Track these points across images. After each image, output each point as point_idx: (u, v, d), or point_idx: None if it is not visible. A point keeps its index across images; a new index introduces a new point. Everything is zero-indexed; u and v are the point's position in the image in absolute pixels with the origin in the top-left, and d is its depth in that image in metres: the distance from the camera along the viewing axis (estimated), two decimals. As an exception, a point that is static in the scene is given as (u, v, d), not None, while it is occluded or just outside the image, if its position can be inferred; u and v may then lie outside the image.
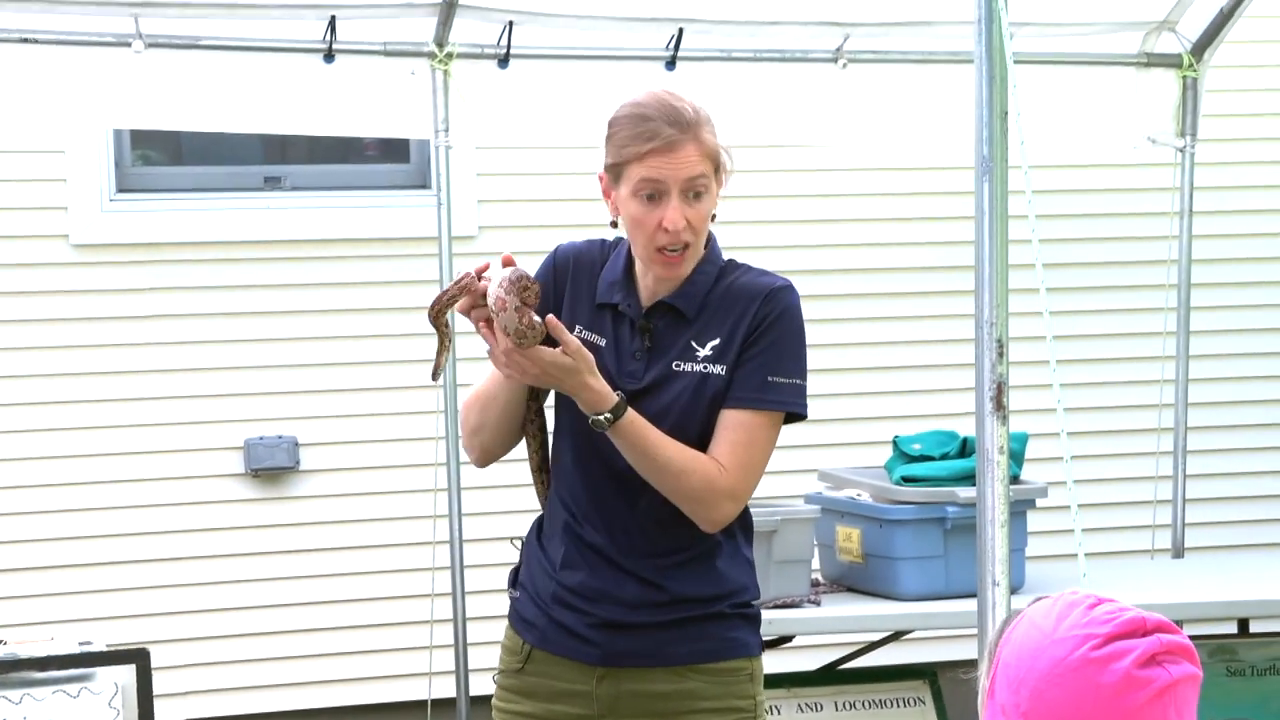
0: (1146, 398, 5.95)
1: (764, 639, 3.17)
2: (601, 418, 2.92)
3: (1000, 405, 3.27)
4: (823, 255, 6.10)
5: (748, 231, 5.64)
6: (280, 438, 5.72)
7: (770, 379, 2.98)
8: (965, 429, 4.47)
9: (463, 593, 5.07)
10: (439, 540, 5.13)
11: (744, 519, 3.08)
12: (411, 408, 5.66)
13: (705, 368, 2.99)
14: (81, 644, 4.47)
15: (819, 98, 5.30)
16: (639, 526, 3.01)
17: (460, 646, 5.06)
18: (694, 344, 3.01)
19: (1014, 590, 3.44)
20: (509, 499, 4.85)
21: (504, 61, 5.02)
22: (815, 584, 4.84)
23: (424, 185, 5.81)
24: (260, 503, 5.73)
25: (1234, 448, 6.40)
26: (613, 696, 3.01)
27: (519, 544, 3.19)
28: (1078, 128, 5.55)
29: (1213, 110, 5.83)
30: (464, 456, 4.93)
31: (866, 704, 4.96)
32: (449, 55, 4.98)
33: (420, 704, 5.43)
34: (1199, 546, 5.91)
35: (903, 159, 6.08)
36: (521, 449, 3.16)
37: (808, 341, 3.04)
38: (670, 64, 5.10)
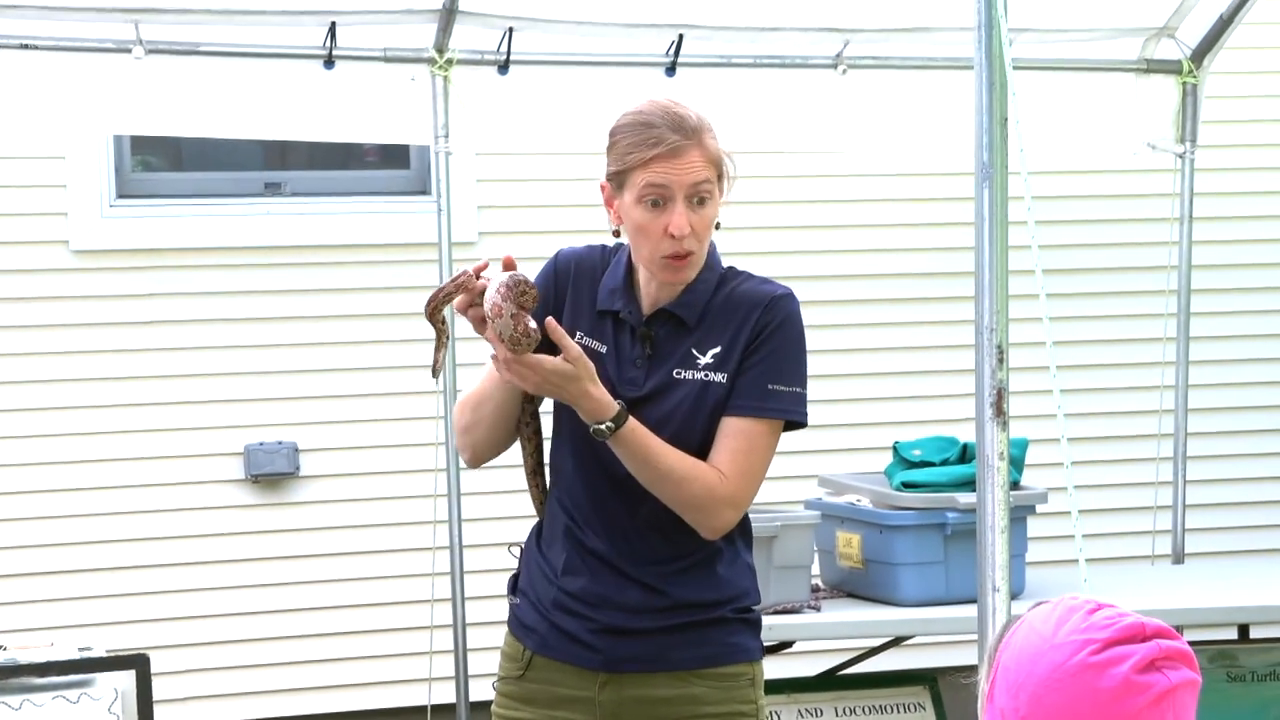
0: (1147, 403, 5.95)
1: (764, 644, 3.17)
2: (603, 426, 2.92)
3: (1000, 411, 3.27)
4: (823, 261, 6.10)
5: (747, 237, 5.64)
6: (280, 443, 5.72)
7: (771, 387, 2.98)
8: (965, 435, 4.47)
9: (462, 598, 5.07)
10: (439, 546, 5.13)
11: (743, 524, 3.08)
12: (411, 413, 5.66)
13: (706, 376, 2.99)
14: (81, 649, 4.47)
15: (819, 104, 5.30)
16: (640, 532, 3.01)
17: (460, 652, 5.06)
18: (695, 352, 3.01)
19: (1014, 596, 3.44)
20: (509, 504, 4.84)
21: (504, 68, 5.02)
22: (815, 589, 4.84)
23: (424, 191, 5.81)
24: (260, 508, 5.73)
25: (1234, 453, 6.40)
26: (615, 702, 3.01)
27: (517, 551, 3.19)
28: (1078, 134, 5.56)
29: (1212, 116, 5.83)
30: (464, 461, 4.97)
31: (867, 709, 4.96)
32: (449, 61, 4.98)
33: (420, 709, 5.43)
34: (1199, 552, 5.91)
35: (903, 165, 6.08)
36: (519, 454, 3.16)
37: (808, 347, 3.05)
38: (670, 70, 5.11)
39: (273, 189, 5.84)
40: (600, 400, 2.92)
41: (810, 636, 4.76)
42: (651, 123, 2.93)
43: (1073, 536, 3.26)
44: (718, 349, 3.00)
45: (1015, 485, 4.71)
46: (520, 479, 3.19)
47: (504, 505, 5.10)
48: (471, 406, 3.07)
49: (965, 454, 4.79)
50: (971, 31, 3.32)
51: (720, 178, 2.97)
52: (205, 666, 5.65)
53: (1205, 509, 6.11)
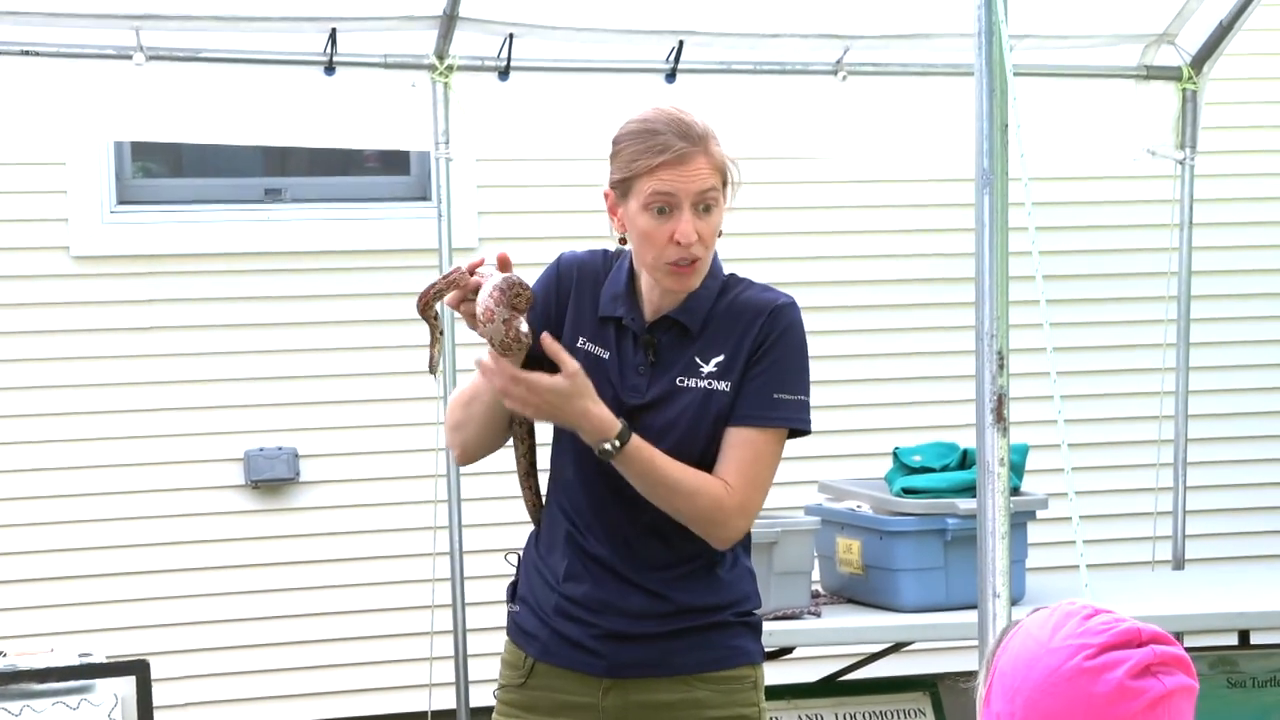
0: (1147, 409, 5.95)
1: (765, 650, 3.17)
2: (608, 446, 2.92)
3: (1001, 417, 3.27)
4: (823, 267, 6.11)
5: (748, 243, 5.64)
6: (280, 449, 5.72)
7: (776, 396, 2.98)
8: (966, 441, 4.47)
9: (463, 604, 5.07)
10: (439, 552, 5.13)
11: (742, 530, 3.09)
12: (412, 419, 5.66)
13: (709, 384, 2.99)
14: (81, 655, 4.46)
15: (819, 110, 5.31)
16: (642, 537, 3.01)
17: (460, 658, 5.06)
18: (698, 360, 3.00)
19: (1014, 602, 3.44)
20: (510, 510, 4.83)
21: (504, 74, 5.02)
22: (815, 595, 4.84)
23: (424, 197, 5.82)
24: (260, 514, 5.73)
25: (1234, 459, 6.40)
26: (619, 708, 3.01)
27: (514, 560, 3.18)
28: (1078, 140, 5.56)
29: (1212, 123, 5.84)
30: (464, 468, 4.96)
31: (867, 715, 4.96)
32: (449, 68, 4.98)
33: (420, 715, 5.43)
34: (1199, 558, 5.91)
35: (903, 171, 6.09)
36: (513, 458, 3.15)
37: (809, 352, 3.05)
38: (670, 76, 5.11)
39: (273, 195, 5.84)
40: (601, 418, 2.91)
41: (811, 642, 4.76)
42: (657, 130, 2.93)
43: (1073, 542, 3.26)
44: (721, 357, 3.00)
45: (1016, 491, 4.71)
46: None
47: (504, 511, 5.08)
48: (463, 404, 3.07)
49: (965, 460, 4.79)
50: (972, 38, 3.32)
51: (725, 184, 2.97)
52: (206, 672, 5.65)
53: (1206, 515, 6.11)
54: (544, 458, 3.10)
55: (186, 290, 5.67)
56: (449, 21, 4.91)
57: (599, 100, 5.05)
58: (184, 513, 5.65)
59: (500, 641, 3.16)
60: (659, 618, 3.00)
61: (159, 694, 4.65)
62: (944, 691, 5.03)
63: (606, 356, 3.02)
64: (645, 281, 3.02)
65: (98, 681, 4.33)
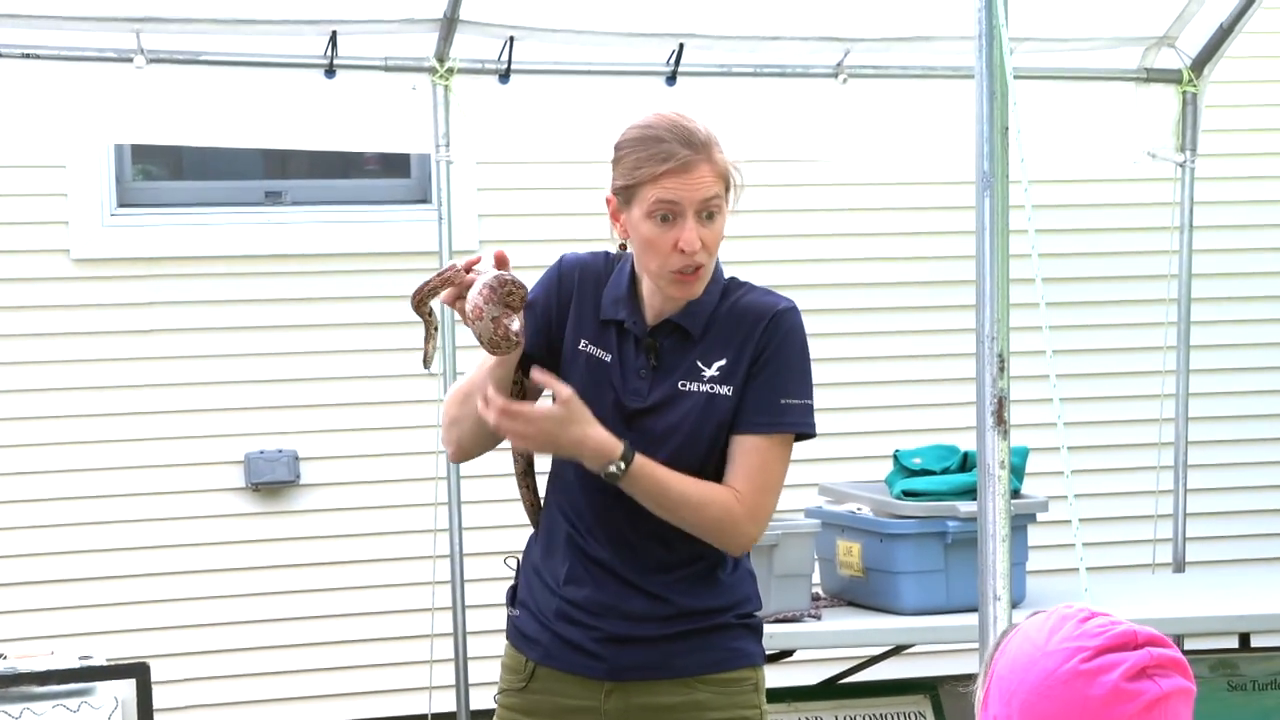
0: (1147, 412, 5.95)
1: (765, 652, 3.17)
2: (613, 469, 2.92)
3: (1001, 419, 3.27)
4: (823, 270, 6.11)
5: (748, 246, 5.64)
6: (280, 452, 5.72)
7: (782, 402, 2.99)
8: (966, 443, 4.47)
9: (463, 607, 5.07)
10: (439, 555, 5.13)
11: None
12: (412, 422, 5.66)
13: (712, 388, 2.99)
14: (82, 658, 4.47)
15: (820, 113, 5.31)
16: (644, 541, 3.01)
17: (460, 661, 5.06)
18: (700, 364, 3.00)
19: (1015, 604, 3.44)
20: (510, 513, 4.83)
21: (505, 76, 5.02)
22: (816, 598, 4.84)
23: (424, 200, 5.82)
24: (261, 517, 5.73)
25: (1235, 462, 6.41)
26: (621, 710, 3.01)
27: (513, 564, 3.18)
28: (1078, 143, 5.56)
29: (1212, 125, 5.84)
30: (465, 470, 4.97)
31: (867, 718, 4.96)
32: (450, 70, 4.98)
33: (420, 718, 5.43)
34: (1200, 561, 5.91)
35: (903, 174, 6.09)
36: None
37: (810, 356, 3.05)
38: (671, 79, 5.11)
39: (273, 198, 5.84)
40: (602, 441, 2.91)
41: (811, 645, 4.76)
42: (660, 137, 2.92)
43: (1073, 545, 3.26)
44: (723, 361, 3.00)
45: (1016, 494, 4.71)
46: (520, 488, 3.18)
47: (505, 514, 5.08)
48: (459, 400, 3.07)
49: (966, 462, 4.79)
50: (972, 41, 3.32)
51: (728, 190, 2.97)
52: (206, 675, 5.65)
53: (1206, 517, 6.11)
54: (543, 459, 3.10)
55: (187, 293, 5.67)
56: (449, 24, 4.92)
57: (599, 103, 5.05)
58: (184, 515, 5.65)
59: (500, 644, 3.15)
60: (660, 620, 3.00)
61: (159, 697, 4.65)
62: (944, 694, 5.03)
63: (608, 359, 3.02)
64: (646, 285, 3.02)
65: (98, 684, 4.33)
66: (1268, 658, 5.23)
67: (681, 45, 5.09)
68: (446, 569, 5.10)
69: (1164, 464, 5.70)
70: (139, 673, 4.37)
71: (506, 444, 3.12)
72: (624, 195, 2.95)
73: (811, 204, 6.13)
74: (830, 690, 5.08)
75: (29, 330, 5.56)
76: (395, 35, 4.97)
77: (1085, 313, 6.25)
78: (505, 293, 2.92)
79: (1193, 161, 5.56)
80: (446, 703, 5.23)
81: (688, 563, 3.02)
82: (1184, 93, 5.53)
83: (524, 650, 3.08)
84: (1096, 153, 5.67)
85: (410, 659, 5.65)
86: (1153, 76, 5.54)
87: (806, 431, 3.03)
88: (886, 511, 4.76)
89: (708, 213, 2.93)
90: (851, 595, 4.85)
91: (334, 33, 4.86)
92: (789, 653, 4.78)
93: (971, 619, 3.50)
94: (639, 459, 2.92)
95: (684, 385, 2.99)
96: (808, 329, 3.06)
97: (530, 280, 3.04)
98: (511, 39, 4.98)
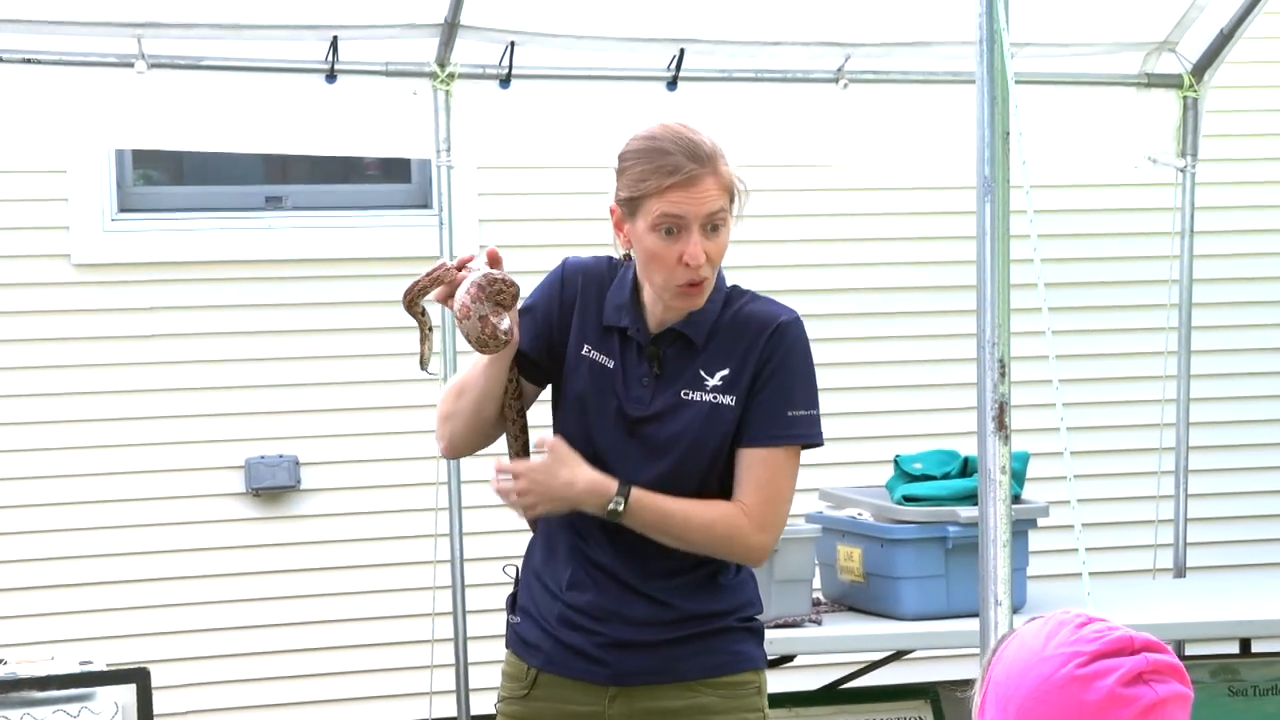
0: (1148, 417, 5.95)
1: (767, 655, 3.18)
2: (612, 506, 2.92)
3: (1002, 424, 3.27)
4: (824, 275, 6.10)
5: (749, 251, 5.63)
6: (281, 457, 5.72)
7: (789, 414, 2.99)
8: (967, 448, 4.47)
9: (463, 611, 5.06)
10: (440, 559, 5.12)
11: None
12: (412, 427, 5.65)
13: (715, 398, 2.99)
14: (82, 663, 4.47)
15: (820, 118, 5.30)
16: (647, 545, 3.01)
17: (461, 666, 5.05)
18: (702, 373, 3.00)
19: (1016, 609, 3.43)
20: (511, 518, 4.83)
21: (506, 81, 5.02)
22: (816, 603, 4.84)
23: (425, 205, 5.82)
24: (261, 522, 5.73)
25: (1236, 467, 6.40)
26: (626, 716, 3.01)
27: (512, 572, 3.18)
28: (1079, 148, 5.56)
29: (1213, 130, 5.84)
30: (465, 475, 4.97)
31: (868, 724, 4.96)
32: (451, 75, 4.98)
33: (421, 724, 5.43)
34: (1201, 566, 5.91)
35: (904, 179, 6.09)
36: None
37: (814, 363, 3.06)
38: (671, 84, 5.11)
39: (274, 203, 5.84)
40: (593, 480, 2.94)
41: (811, 650, 4.75)
42: (665, 150, 2.91)
43: (1075, 550, 3.26)
44: (726, 371, 2.99)
45: (1017, 499, 4.71)
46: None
47: (506, 519, 5.08)
48: (453, 395, 3.07)
49: (966, 467, 4.78)
50: (973, 46, 3.32)
51: (732, 202, 2.97)
52: (206, 680, 5.64)
53: (1207, 523, 6.11)
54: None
55: (187, 298, 5.67)
56: (450, 29, 4.92)
57: (600, 108, 5.05)
58: (185, 520, 5.65)
59: (501, 650, 3.15)
60: (664, 625, 3.00)
61: (159, 702, 4.65)
62: (945, 699, 5.02)
63: (611, 366, 3.01)
64: (649, 293, 3.01)
65: (98, 689, 4.33)
66: (1268, 663, 5.23)
67: (682, 50, 5.09)
68: (447, 574, 5.10)
69: (1165, 469, 5.70)
70: (139, 678, 4.37)
71: (502, 444, 3.13)
72: (628, 207, 2.94)
73: (812, 209, 6.12)
74: (831, 695, 5.08)
75: (30, 335, 5.56)
76: (396, 40, 4.97)
77: (1086, 317, 6.25)
78: (495, 291, 2.92)
79: (1193, 166, 5.56)
80: (447, 708, 5.23)
81: (691, 568, 3.02)
82: (1185, 98, 5.53)
83: (525, 657, 3.07)
84: (1097, 158, 5.67)
85: (410, 664, 5.65)
86: (1154, 81, 5.54)
87: (813, 442, 3.03)
88: (887, 516, 4.75)
89: (712, 225, 2.92)
90: (852, 600, 4.85)
91: (335, 38, 4.86)
92: (790, 658, 4.78)
93: (972, 624, 3.50)
94: (636, 491, 2.93)
95: (687, 394, 2.99)
96: (809, 334, 3.06)
97: (525, 280, 3.04)
98: (512, 44, 4.98)
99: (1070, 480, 3.27)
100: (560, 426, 3.07)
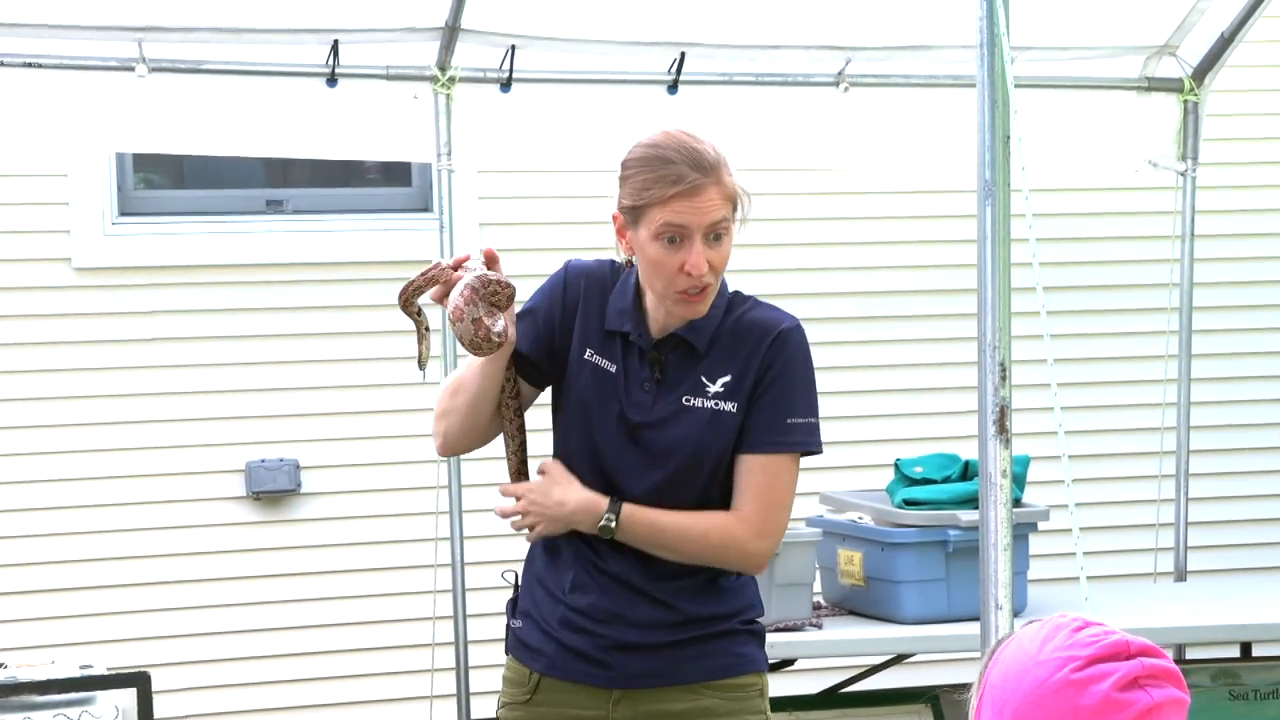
0: (1148, 420, 5.95)
1: (769, 658, 3.18)
2: (603, 522, 2.94)
3: (1003, 428, 3.27)
4: (825, 278, 6.10)
5: (750, 255, 5.62)
6: (282, 460, 5.72)
7: (788, 421, 2.99)
8: (967, 452, 4.47)
9: (464, 615, 5.06)
10: (440, 563, 5.12)
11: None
12: (413, 431, 5.65)
13: (716, 404, 2.99)
14: (82, 667, 4.46)
15: (821, 122, 5.31)
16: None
17: (462, 669, 5.05)
18: (704, 379, 3.00)
19: (1016, 613, 3.43)
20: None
21: (506, 85, 5.02)
22: (817, 607, 4.84)
23: (426, 208, 5.82)
24: (262, 525, 5.73)
25: (1236, 471, 6.40)
26: (629, 718, 3.01)
27: (511, 577, 3.18)
28: (1079, 151, 5.56)
29: (1214, 134, 5.84)
30: (466, 479, 4.97)
31: (869, 728, 4.95)
32: (451, 79, 4.98)
33: (422, 727, 5.43)
34: (1201, 569, 5.90)
35: (905, 182, 6.09)
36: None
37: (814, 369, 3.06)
38: (672, 88, 5.11)
39: (275, 206, 5.84)
40: (584, 499, 2.96)
41: (812, 654, 4.75)
42: (669, 159, 2.90)
43: (1075, 554, 3.26)
44: (727, 378, 2.99)
45: (1017, 503, 4.70)
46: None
47: (507, 523, 5.09)
48: (449, 393, 3.07)
49: (967, 471, 4.78)
50: (973, 49, 3.32)
51: (735, 211, 2.97)
52: (206, 684, 5.64)
53: (1207, 526, 6.10)
54: (539, 461, 3.10)
55: (188, 302, 5.67)
56: (451, 33, 4.92)
57: (601, 112, 5.05)
58: (185, 524, 5.65)
59: (502, 653, 3.15)
60: (667, 627, 3.00)
61: (160, 706, 4.65)
62: (945, 703, 5.02)
63: (613, 370, 3.01)
64: (651, 298, 3.02)
65: (98, 693, 4.33)
66: (1269, 667, 5.22)
67: (683, 54, 5.09)
68: (448, 578, 5.10)
69: (1165, 473, 5.70)
70: (139, 682, 4.36)
71: (500, 444, 3.13)
72: (631, 215, 2.94)
73: (812, 213, 6.12)
74: (831, 699, 5.08)
75: (30, 339, 5.56)
76: (397, 44, 4.97)
77: (1086, 321, 6.25)
78: (489, 292, 2.92)
79: (1194, 170, 5.56)
80: (448, 712, 5.23)
81: (693, 570, 3.02)
82: (1185, 101, 5.54)
83: (527, 661, 3.07)
84: (1098, 161, 5.67)
85: (411, 668, 5.65)
86: (1154, 85, 5.54)
87: (812, 450, 3.04)
88: (888, 520, 4.75)
89: (715, 235, 2.92)
90: (853, 604, 4.85)
91: (335, 41, 4.86)
92: (790, 662, 4.78)
93: (973, 628, 3.50)
94: (628, 508, 2.93)
95: (688, 400, 2.99)
96: (809, 338, 3.06)
97: (526, 284, 3.04)
98: (513, 48, 4.98)
99: (1068, 484, 3.27)
100: (562, 430, 3.07)
